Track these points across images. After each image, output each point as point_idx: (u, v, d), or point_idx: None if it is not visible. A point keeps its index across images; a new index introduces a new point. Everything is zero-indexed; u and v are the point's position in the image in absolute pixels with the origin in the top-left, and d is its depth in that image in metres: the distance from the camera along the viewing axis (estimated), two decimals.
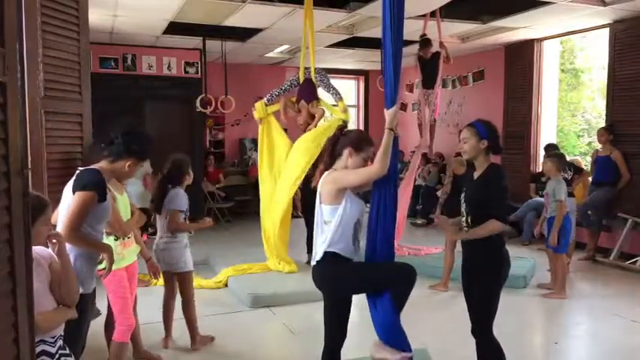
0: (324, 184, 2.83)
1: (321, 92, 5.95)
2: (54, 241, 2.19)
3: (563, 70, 12.81)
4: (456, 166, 5.56)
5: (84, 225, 2.62)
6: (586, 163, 8.72)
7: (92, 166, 2.74)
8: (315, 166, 5.66)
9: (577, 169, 6.65)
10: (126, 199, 3.37)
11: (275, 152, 5.92)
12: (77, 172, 2.71)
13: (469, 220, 3.06)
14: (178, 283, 3.99)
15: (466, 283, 3.14)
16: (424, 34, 6.57)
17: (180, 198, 3.86)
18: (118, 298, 3.16)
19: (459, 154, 5.61)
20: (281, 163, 5.85)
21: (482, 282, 3.02)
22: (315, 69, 5.82)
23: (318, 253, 2.84)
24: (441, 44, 6.56)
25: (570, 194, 5.69)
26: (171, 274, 3.96)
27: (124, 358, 3.27)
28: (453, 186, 5.57)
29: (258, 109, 5.90)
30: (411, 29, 7.33)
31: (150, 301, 4.41)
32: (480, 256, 3.02)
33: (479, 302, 3.07)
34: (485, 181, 3.02)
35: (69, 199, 2.61)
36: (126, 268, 3.25)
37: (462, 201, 3.14)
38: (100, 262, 2.84)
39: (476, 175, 3.10)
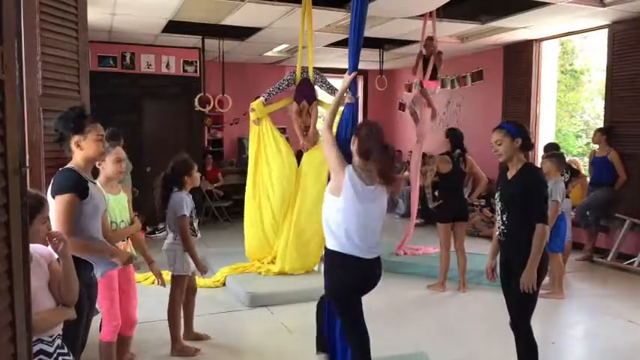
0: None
1: (319, 92, 5.93)
2: (55, 240, 2.18)
3: (562, 72, 12.83)
4: (439, 163, 5.57)
5: (77, 228, 2.61)
6: (584, 163, 8.74)
7: (67, 166, 2.70)
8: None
9: (574, 172, 6.67)
10: (122, 199, 3.36)
11: (275, 157, 5.72)
12: (56, 173, 2.68)
13: (504, 219, 3.14)
14: (171, 284, 3.97)
15: (506, 280, 3.21)
16: (431, 37, 6.59)
17: (181, 203, 3.83)
18: (105, 299, 3.15)
19: (444, 154, 5.63)
20: (281, 169, 5.70)
21: (519, 279, 3.06)
22: (314, 69, 5.79)
23: (378, 249, 2.97)
24: (436, 51, 6.55)
25: (566, 195, 5.71)
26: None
27: (113, 356, 3.27)
28: (440, 184, 5.59)
29: (258, 109, 5.68)
30: (410, 29, 7.35)
31: (149, 300, 4.41)
32: (523, 255, 3.05)
33: (520, 299, 3.10)
34: (522, 181, 3.08)
35: (52, 204, 2.57)
36: (118, 271, 3.24)
37: (497, 200, 3.20)
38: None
39: (510, 174, 3.16)
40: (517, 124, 3.21)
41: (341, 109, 3.33)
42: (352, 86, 3.22)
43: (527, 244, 3.04)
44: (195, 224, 4.01)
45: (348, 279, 2.93)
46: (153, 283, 5.36)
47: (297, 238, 5.65)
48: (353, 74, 3.16)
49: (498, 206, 3.19)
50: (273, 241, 5.88)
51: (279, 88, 5.86)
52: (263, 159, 5.78)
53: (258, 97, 6.00)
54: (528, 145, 3.15)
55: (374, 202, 2.88)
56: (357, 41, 3.19)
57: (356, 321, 2.98)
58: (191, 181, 3.95)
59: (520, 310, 3.14)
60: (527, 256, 3.03)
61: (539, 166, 7.37)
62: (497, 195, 3.22)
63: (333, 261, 2.94)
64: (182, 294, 3.99)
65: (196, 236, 3.98)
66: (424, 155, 9.77)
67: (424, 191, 6.17)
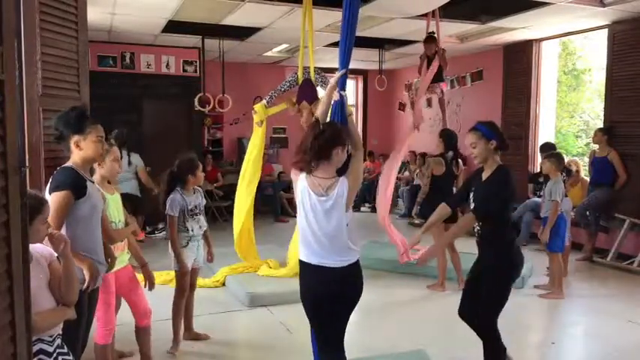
0: (350, 192, 2.66)
1: (320, 93, 5.94)
2: (56, 240, 2.18)
3: (564, 72, 12.83)
4: (434, 166, 5.58)
5: (75, 227, 2.60)
6: (584, 164, 8.75)
7: (66, 164, 2.71)
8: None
9: (569, 172, 6.69)
10: (117, 199, 3.36)
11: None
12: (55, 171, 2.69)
13: (478, 220, 3.17)
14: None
15: (476, 275, 3.26)
16: (432, 32, 6.53)
17: (172, 203, 3.90)
18: (101, 303, 3.13)
19: (437, 155, 5.64)
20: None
21: (489, 280, 3.14)
22: (315, 69, 5.80)
23: (351, 257, 2.70)
24: (440, 51, 6.50)
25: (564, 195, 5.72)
26: None
27: (108, 358, 3.28)
28: (433, 186, 5.61)
29: (259, 112, 5.84)
30: (410, 29, 7.35)
31: (149, 300, 4.41)
32: (489, 255, 3.14)
33: (485, 297, 3.17)
34: (492, 182, 3.12)
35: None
36: (115, 274, 3.24)
37: (471, 201, 3.22)
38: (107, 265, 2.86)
39: (484, 176, 3.19)
40: (492, 125, 3.21)
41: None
42: (340, 83, 3.20)
43: (498, 245, 3.13)
44: (191, 223, 3.99)
45: (302, 287, 2.82)
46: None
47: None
48: (342, 71, 3.12)
49: (472, 207, 3.22)
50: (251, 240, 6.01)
51: (281, 90, 5.93)
52: (257, 160, 6.01)
53: (258, 97, 6.05)
54: (504, 147, 3.16)
55: (323, 212, 2.66)
56: (348, 40, 3.13)
57: (319, 338, 2.86)
58: (194, 180, 3.99)
59: (485, 308, 3.19)
60: (495, 256, 3.12)
61: (539, 166, 7.42)
62: (471, 196, 3.24)
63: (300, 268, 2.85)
64: (182, 290, 4.01)
65: (189, 234, 3.97)
66: (424, 155, 9.78)
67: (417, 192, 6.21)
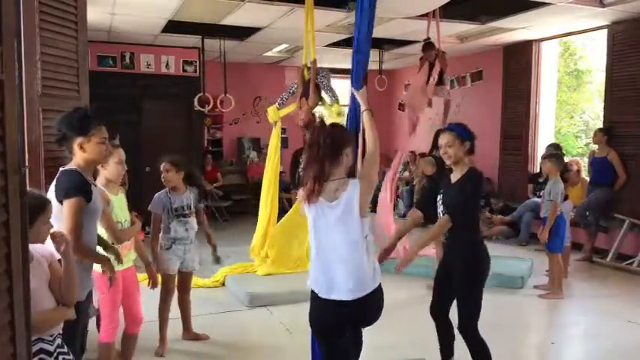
0: (363, 195, 2.41)
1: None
2: (57, 240, 2.17)
3: (567, 73, 12.80)
4: (425, 166, 5.58)
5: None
6: (583, 164, 8.75)
7: (69, 166, 2.64)
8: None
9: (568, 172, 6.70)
10: (121, 199, 3.35)
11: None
12: (58, 173, 2.64)
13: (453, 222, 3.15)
14: None
15: (444, 280, 3.30)
16: (428, 38, 6.54)
17: (154, 200, 3.96)
18: (108, 301, 3.14)
19: (425, 155, 5.64)
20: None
21: (462, 280, 3.14)
22: (319, 68, 5.85)
23: (368, 287, 2.44)
24: (440, 53, 6.49)
25: (565, 197, 5.72)
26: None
27: (112, 357, 3.28)
28: (424, 186, 5.62)
29: (271, 114, 6.04)
30: (411, 29, 7.35)
31: (148, 300, 4.41)
32: (462, 257, 3.12)
33: (462, 299, 3.17)
34: (464, 185, 3.09)
35: (55, 206, 2.51)
36: (122, 273, 3.22)
37: (439, 203, 3.20)
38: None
39: (454, 177, 3.16)
40: (466, 128, 3.19)
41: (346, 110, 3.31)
42: (354, 80, 3.23)
43: (469, 248, 3.13)
44: (175, 224, 3.95)
45: (310, 315, 2.62)
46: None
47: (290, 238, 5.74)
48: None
49: (440, 209, 3.19)
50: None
51: (290, 92, 6.07)
52: (275, 159, 6.12)
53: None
54: (473, 150, 3.17)
55: (335, 221, 2.42)
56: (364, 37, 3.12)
57: (322, 351, 2.65)
58: (165, 179, 3.97)
59: (464, 311, 3.17)
60: (465, 260, 3.11)
61: (539, 167, 7.40)
62: (439, 198, 3.22)
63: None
64: (166, 292, 3.99)
65: (171, 235, 3.95)
66: (423, 155, 9.77)
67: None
